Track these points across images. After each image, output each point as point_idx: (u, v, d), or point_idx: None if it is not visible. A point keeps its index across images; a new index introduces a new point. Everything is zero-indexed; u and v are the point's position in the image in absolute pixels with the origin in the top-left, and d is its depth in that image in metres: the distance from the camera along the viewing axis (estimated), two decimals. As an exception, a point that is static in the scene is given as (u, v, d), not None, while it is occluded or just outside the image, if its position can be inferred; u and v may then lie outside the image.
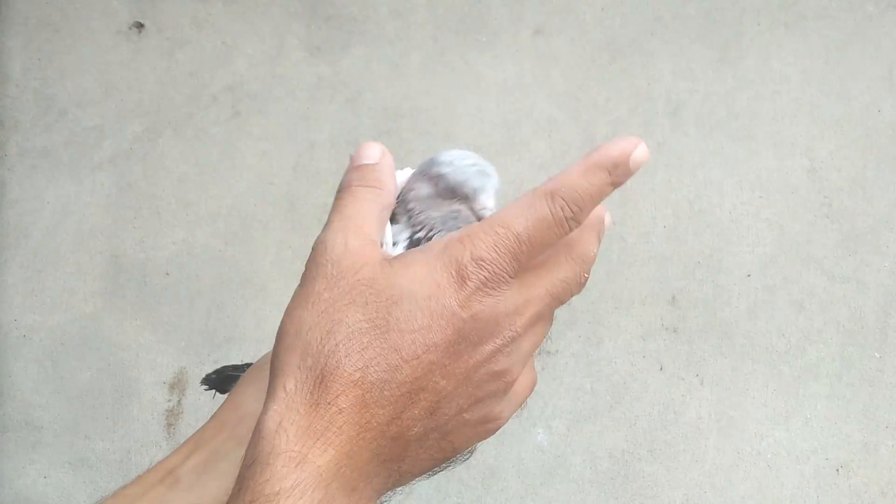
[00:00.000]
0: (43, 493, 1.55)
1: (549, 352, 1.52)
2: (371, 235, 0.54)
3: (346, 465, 0.48)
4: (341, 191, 0.56)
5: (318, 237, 0.54)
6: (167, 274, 1.56)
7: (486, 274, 0.50)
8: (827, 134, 1.54)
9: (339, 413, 0.48)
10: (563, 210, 0.51)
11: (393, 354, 0.49)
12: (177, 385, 1.54)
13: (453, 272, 0.50)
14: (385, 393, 0.49)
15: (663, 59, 1.58)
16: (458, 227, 0.58)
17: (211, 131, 1.60)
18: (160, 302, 1.56)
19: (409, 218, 0.64)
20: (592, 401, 1.51)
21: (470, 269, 0.50)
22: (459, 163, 0.61)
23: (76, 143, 1.60)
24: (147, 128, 1.60)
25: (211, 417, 0.62)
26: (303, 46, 1.61)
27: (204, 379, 0.76)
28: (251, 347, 1.54)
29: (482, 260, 0.50)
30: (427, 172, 0.62)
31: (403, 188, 0.62)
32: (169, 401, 1.54)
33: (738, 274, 1.50)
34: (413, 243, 0.61)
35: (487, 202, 0.60)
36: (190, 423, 1.53)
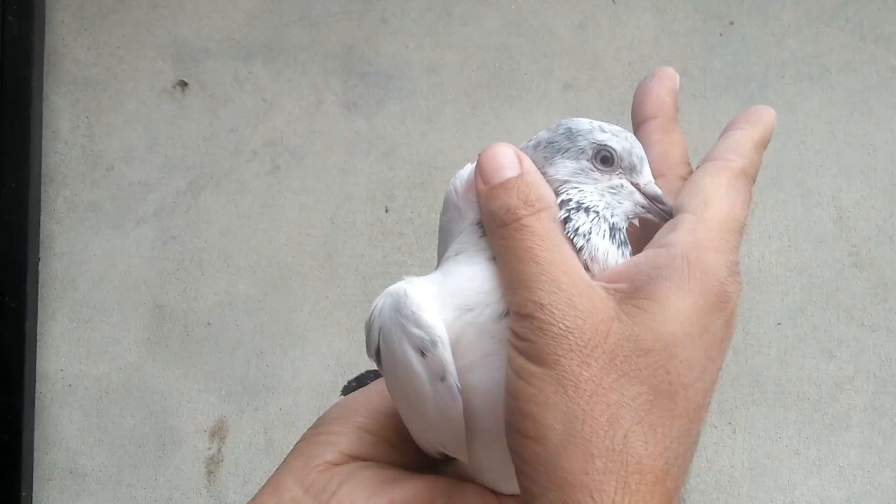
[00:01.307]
0: (87, 539, 1.50)
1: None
2: (585, 278, 0.43)
3: None
4: (506, 226, 0.43)
5: (522, 301, 0.42)
6: (209, 324, 1.51)
7: (740, 280, 0.42)
8: (853, 183, 1.47)
9: None
10: (752, 189, 0.45)
11: (683, 419, 0.40)
12: (217, 433, 1.48)
13: (716, 293, 0.41)
14: (683, 467, 0.40)
15: (691, 111, 1.50)
16: (621, 203, 0.48)
17: (251, 185, 1.54)
18: (201, 351, 1.50)
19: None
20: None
21: (730, 285, 0.41)
22: (613, 128, 0.49)
23: (122, 198, 1.54)
24: (190, 182, 1.54)
25: (252, 499, 0.52)
26: (339, 102, 1.55)
27: (345, 388, 0.67)
28: (290, 396, 1.43)
29: (735, 267, 0.42)
30: (572, 144, 0.49)
31: None
32: (209, 449, 1.48)
33: (769, 322, 1.43)
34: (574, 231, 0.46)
35: (650, 175, 0.48)
36: (230, 471, 1.51)
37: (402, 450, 0.53)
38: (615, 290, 0.42)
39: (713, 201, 0.43)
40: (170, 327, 1.52)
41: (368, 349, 0.52)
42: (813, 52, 1.54)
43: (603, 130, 0.49)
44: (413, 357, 0.46)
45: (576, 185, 0.48)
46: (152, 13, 1.59)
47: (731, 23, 1.56)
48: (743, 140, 0.46)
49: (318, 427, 0.54)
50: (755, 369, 1.44)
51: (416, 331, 0.46)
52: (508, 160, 0.45)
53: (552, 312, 0.40)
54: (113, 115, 1.57)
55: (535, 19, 1.58)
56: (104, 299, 1.53)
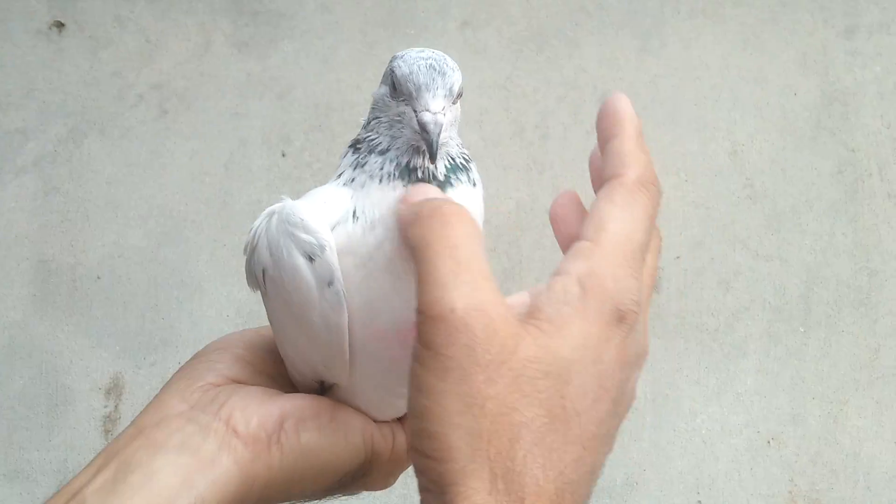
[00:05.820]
0: (-22, 506, 1.35)
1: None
2: (495, 286, 0.39)
3: None
4: (430, 217, 0.40)
5: (433, 299, 0.38)
6: (98, 278, 1.38)
7: (637, 308, 0.40)
8: (747, 117, 1.43)
9: None
10: (657, 195, 0.42)
11: (575, 446, 0.38)
12: (113, 390, 1.36)
13: (608, 322, 0.39)
14: (577, 495, 0.39)
15: (588, 48, 1.44)
16: (402, 133, 0.48)
17: (138, 131, 1.40)
18: (92, 306, 1.37)
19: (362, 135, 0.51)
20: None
21: (627, 313, 0.39)
22: (411, 55, 0.48)
23: (-3, 147, 1.38)
24: (72, 129, 1.40)
25: (131, 423, 0.50)
26: (230, 43, 1.43)
27: None
28: (189, 349, 1.39)
29: (632, 293, 0.40)
30: (386, 69, 0.50)
31: None
32: (106, 406, 1.36)
33: (668, 256, 1.39)
34: (358, 164, 0.49)
35: (431, 103, 0.46)
36: (129, 428, 1.40)
37: (279, 383, 0.53)
38: (523, 311, 0.40)
39: (607, 225, 0.41)
40: (56, 282, 1.39)
41: (251, 275, 0.52)
42: (706, -12, 1.49)
43: (402, 58, 0.48)
44: (302, 263, 0.46)
45: (377, 115, 0.50)
46: (22, -52, 1.43)
47: (627, -41, 1.49)
48: (622, 147, 0.43)
49: (198, 357, 0.53)
50: (656, 303, 1.40)
51: (304, 236, 0.46)
52: (437, 192, 0.45)
53: (466, 323, 0.37)
54: (-17, 59, 1.42)
55: (431, -45, 1.48)
56: (-17, 255, 1.39)
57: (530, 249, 1.38)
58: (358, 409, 0.52)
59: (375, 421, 0.53)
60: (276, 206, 0.50)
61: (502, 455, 0.37)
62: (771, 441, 1.37)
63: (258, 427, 0.48)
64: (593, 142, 1.54)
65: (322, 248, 0.46)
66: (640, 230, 0.41)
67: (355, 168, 0.49)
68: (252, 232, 0.51)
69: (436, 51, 0.49)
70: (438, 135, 0.46)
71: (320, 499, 0.53)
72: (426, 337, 0.38)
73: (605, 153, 0.44)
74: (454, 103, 0.49)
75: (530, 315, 0.39)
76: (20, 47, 1.42)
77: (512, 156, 1.43)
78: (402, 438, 0.54)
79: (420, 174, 0.48)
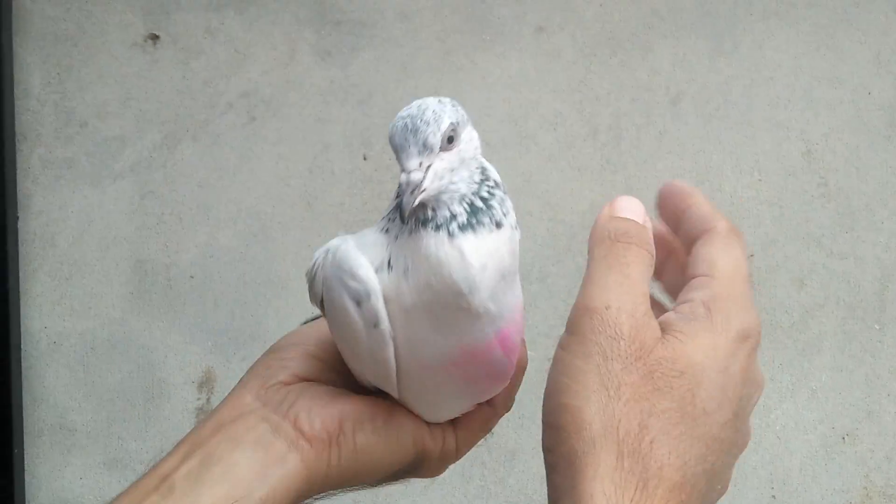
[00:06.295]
0: (79, 493, 1.44)
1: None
2: (649, 305, 0.44)
3: None
4: (615, 241, 0.46)
5: (593, 298, 0.44)
6: (191, 277, 1.45)
7: (759, 330, 0.45)
8: (820, 117, 1.44)
9: None
10: (744, 242, 0.48)
11: (699, 443, 0.42)
12: (205, 384, 1.44)
13: (735, 338, 0.44)
14: (698, 487, 0.42)
15: (661, 51, 1.46)
16: (398, 198, 0.48)
17: (228, 137, 1.47)
18: (185, 304, 1.44)
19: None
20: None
21: (751, 331, 0.44)
22: (397, 116, 0.49)
23: (97, 154, 1.47)
24: (166, 136, 1.47)
25: (209, 415, 0.54)
26: (313, 51, 1.48)
27: (303, 323, 0.67)
28: None
29: (755, 321, 0.45)
30: None
31: None
32: (198, 399, 1.43)
33: (742, 255, 1.47)
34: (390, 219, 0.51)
35: (406, 163, 0.47)
36: (220, 419, 1.47)
37: (345, 377, 0.57)
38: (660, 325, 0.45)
39: (717, 261, 0.46)
40: (152, 281, 1.46)
41: (312, 298, 0.56)
42: (777, -11, 1.50)
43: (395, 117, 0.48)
44: (350, 306, 0.50)
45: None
46: (119, -34, 1.51)
47: (697, -37, 1.51)
48: (703, 210, 0.49)
49: (273, 353, 0.59)
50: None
51: (352, 283, 0.50)
52: (639, 210, 0.48)
53: (618, 318, 0.43)
54: (84, 71, 1.49)
55: (505, -37, 1.52)
56: (84, 256, 1.47)
57: (605, 248, 1.41)
58: (412, 412, 0.56)
59: (428, 423, 0.57)
60: (333, 244, 0.53)
61: (631, 436, 0.41)
62: (846, 437, 1.37)
63: (321, 429, 0.52)
64: (665, 143, 1.56)
65: (368, 294, 0.49)
66: (745, 264, 0.47)
67: (391, 220, 0.51)
68: (313, 262, 0.55)
69: (424, 102, 0.49)
70: (412, 192, 0.46)
71: (373, 486, 0.58)
72: (576, 325, 0.44)
73: (686, 220, 0.50)
74: (447, 150, 0.48)
75: (665, 329, 0.44)
76: (118, 59, 1.50)
77: (586, 157, 1.46)
78: (451, 440, 0.58)
79: (429, 222, 0.48)
